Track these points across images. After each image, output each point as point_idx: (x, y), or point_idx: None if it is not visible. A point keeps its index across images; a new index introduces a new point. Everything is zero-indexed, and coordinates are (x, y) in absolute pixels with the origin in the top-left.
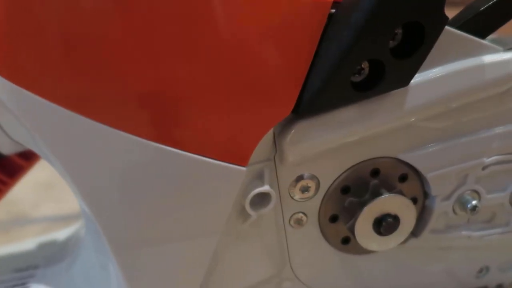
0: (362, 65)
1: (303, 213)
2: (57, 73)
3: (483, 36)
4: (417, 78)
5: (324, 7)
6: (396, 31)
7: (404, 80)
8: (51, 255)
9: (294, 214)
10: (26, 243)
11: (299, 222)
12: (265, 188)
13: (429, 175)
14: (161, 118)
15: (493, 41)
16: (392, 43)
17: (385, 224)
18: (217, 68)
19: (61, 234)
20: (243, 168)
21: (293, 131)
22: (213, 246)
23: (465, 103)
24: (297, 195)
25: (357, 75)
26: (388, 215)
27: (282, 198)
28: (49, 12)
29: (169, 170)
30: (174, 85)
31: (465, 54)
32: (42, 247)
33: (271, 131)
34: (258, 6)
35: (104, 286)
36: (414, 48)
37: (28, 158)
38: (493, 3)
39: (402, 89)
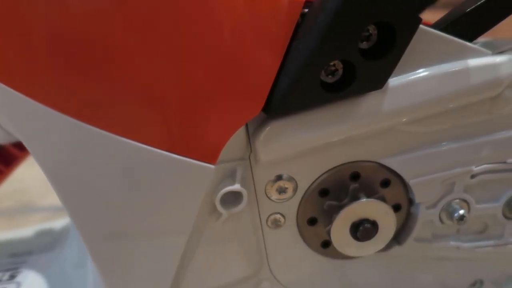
0: (336, 66)
1: (280, 214)
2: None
3: (471, 38)
4: (397, 80)
5: (296, 6)
6: (370, 32)
7: (377, 82)
8: (45, 243)
9: (272, 214)
10: (24, 230)
11: (276, 223)
12: (236, 187)
13: (412, 181)
14: (126, 112)
15: (484, 44)
16: (367, 44)
17: (362, 229)
18: (184, 63)
19: (58, 223)
20: (212, 166)
21: (266, 129)
22: (183, 243)
23: (449, 108)
24: (274, 196)
25: (330, 76)
26: (366, 220)
27: (258, 198)
28: (30, 10)
29: (134, 165)
30: (140, 81)
31: (448, 56)
32: (39, 235)
33: (244, 130)
34: (230, 2)
35: (85, 276)
36: (388, 50)
37: (22, 148)
38: (479, 5)
39: (380, 91)
